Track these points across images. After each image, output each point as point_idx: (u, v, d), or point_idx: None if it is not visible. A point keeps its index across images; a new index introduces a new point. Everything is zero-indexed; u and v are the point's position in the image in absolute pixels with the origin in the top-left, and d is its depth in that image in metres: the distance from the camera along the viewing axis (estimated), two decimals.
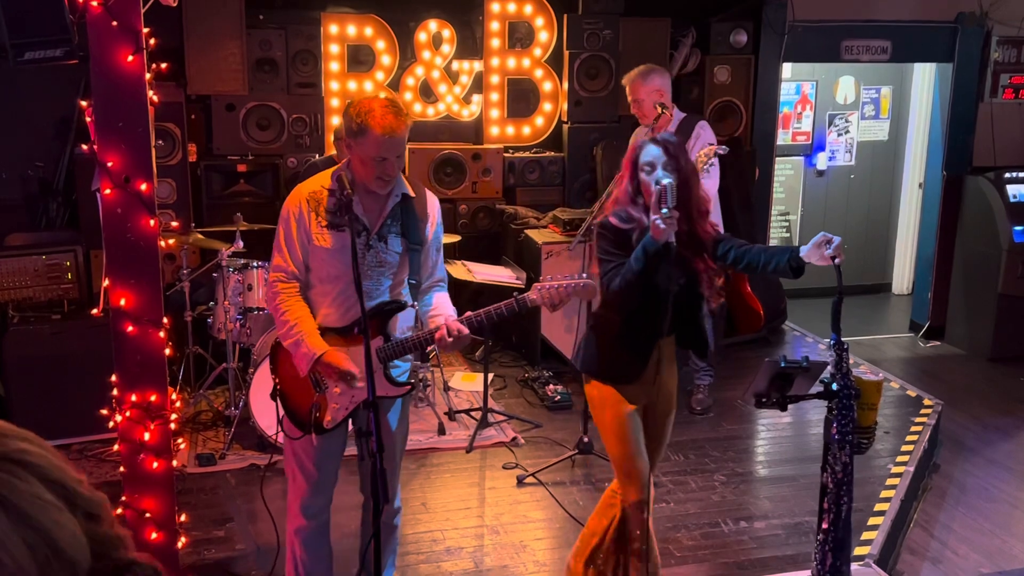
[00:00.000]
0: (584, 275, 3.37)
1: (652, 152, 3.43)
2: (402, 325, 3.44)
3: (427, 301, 3.49)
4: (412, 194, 3.39)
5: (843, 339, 3.18)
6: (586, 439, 5.36)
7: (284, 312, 3.31)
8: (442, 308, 3.43)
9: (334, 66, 7.02)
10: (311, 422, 3.36)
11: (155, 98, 3.49)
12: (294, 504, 3.53)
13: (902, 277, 9.20)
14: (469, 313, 3.33)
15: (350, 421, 3.44)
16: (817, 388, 3.19)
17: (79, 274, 5.74)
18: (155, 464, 3.52)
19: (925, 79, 8.55)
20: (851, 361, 3.23)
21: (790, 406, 3.53)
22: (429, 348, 3.60)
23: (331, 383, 3.33)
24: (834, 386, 3.11)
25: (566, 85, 7.34)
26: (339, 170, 3.28)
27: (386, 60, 7.11)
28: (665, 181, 3.28)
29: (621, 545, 3.70)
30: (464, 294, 6.77)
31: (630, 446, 3.57)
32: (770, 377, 3.10)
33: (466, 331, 3.25)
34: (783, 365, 3.06)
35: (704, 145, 5.40)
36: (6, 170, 6.51)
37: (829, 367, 3.16)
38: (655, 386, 3.62)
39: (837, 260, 3.18)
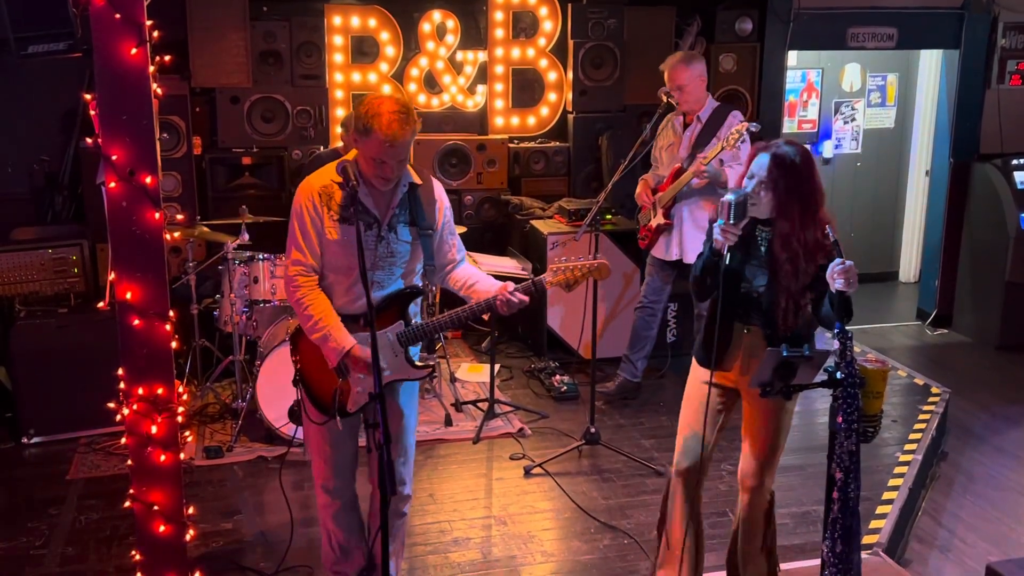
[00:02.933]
0: (599, 255, 3.45)
1: (760, 163, 3.39)
2: (411, 311, 3.52)
3: (457, 275, 3.59)
4: (419, 182, 3.46)
5: (850, 327, 3.17)
6: (593, 429, 5.36)
7: (307, 307, 3.37)
8: (482, 279, 3.54)
9: (338, 58, 7.01)
10: (335, 407, 3.45)
11: (159, 91, 3.49)
12: (319, 484, 3.66)
13: (909, 265, 9.16)
14: (506, 283, 3.44)
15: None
16: (822, 377, 3.18)
17: (85, 268, 5.76)
18: (162, 457, 3.52)
19: (931, 66, 8.50)
20: (856, 350, 3.22)
21: (797, 395, 3.54)
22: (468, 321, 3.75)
23: (357, 373, 3.42)
24: (838, 375, 3.09)
25: (571, 75, 7.32)
26: (344, 162, 3.30)
27: (390, 51, 7.09)
28: (727, 198, 3.29)
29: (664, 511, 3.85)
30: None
31: (688, 415, 3.70)
32: (773, 366, 3.09)
33: (525, 298, 3.39)
34: (785, 354, 3.05)
35: None
36: (12, 164, 6.52)
37: (833, 356, 3.15)
38: (744, 377, 3.59)
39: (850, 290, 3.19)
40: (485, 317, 4.02)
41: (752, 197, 3.35)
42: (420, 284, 3.57)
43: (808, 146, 9.36)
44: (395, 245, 3.41)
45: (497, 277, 3.59)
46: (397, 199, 3.41)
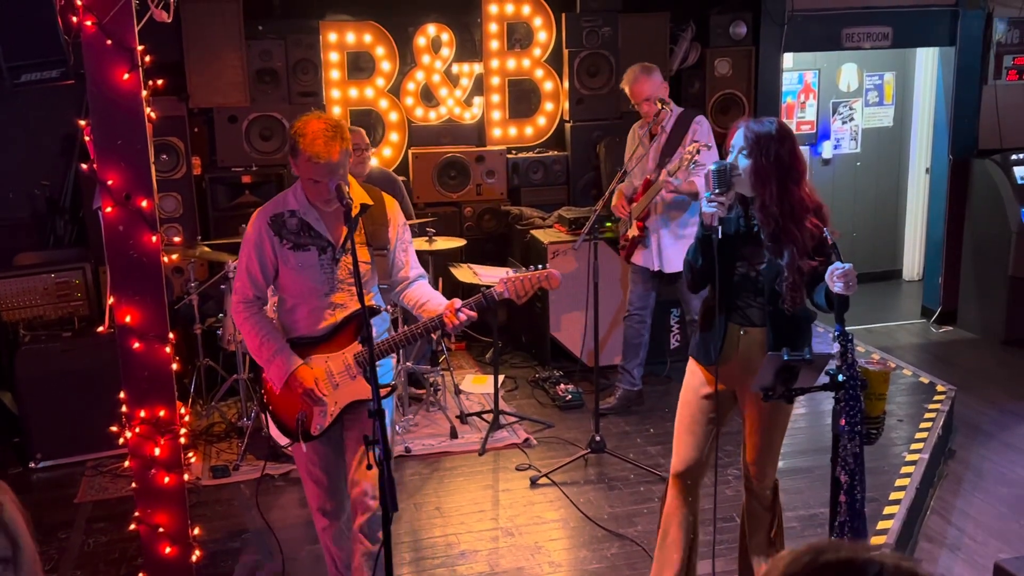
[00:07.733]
0: (547, 266, 3.47)
1: (738, 134, 3.43)
2: (377, 331, 3.49)
3: (411, 294, 3.57)
4: (370, 202, 3.46)
5: (855, 327, 3.18)
6: (598, 438, 5.35)
7: (250, 330, 3.41)
8: (434, 297, 3.53)
9: (335, 74, 7.04)
10: (298, 431, 3.45)
11: (153, 115, 3.51)
12: (313, 507, 3.66)
13: (912, 263, 9.15)
14: (453, 300, 3.42)
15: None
16: (824, 380, 3.18)
17: (88, 291, 5.78)
18: (166, 479, 3.54)
19: (928, 63, 8.50)
20: (861, 351, 3.22)
21: (803, 398, 3.54)
22: (436, 336, 3.68)
23: (301, 395, 3.41)
24: (840, 377, 3.09)
25: (567, 84, 7.33)
26: (294, 187, 3.38)
27: (386, 66, 7.12)
28: (712, 166, 3.34)
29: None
30: (469, 297, 6.77)
31: (683, 421, 3.71)
32: (775, 370, 3.09)
33: (473, 314, 3.37)
34: (786, 358, 3.05)
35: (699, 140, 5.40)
36: (12, 189, 6.55)
37: (834, 358, 3.14)
38: (740, 378, 3.57)
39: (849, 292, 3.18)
40: (434, 336, 3.95)
41: (734, 168, 3.36)
42: (380, 303, 3.56)
43: (807, 147, 9.40)
44: (352, 267, 3.41)
45: None
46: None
